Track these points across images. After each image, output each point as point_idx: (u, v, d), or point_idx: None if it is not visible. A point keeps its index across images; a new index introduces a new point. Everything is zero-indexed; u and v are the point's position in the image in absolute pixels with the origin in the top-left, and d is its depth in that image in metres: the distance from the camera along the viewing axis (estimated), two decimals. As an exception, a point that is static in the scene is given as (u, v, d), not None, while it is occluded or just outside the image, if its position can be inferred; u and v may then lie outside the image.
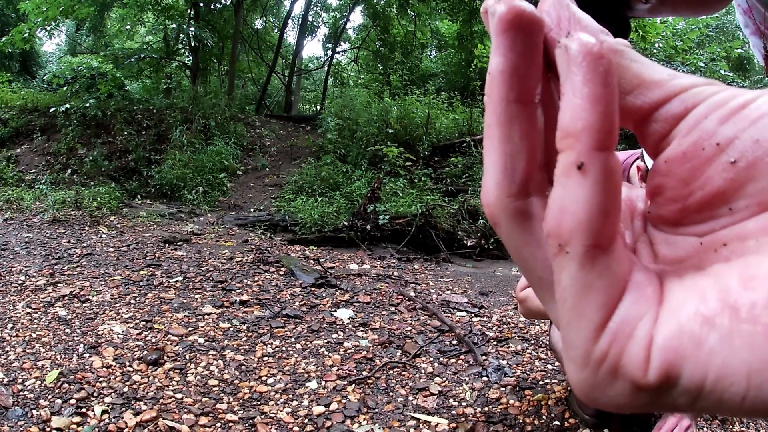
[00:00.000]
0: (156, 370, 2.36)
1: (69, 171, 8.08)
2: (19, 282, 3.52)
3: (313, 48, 61.69)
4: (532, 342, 2.96)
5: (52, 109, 8.94)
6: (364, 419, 2.07)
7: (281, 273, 4.15)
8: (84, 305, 3.13)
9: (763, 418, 0.21)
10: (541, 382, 2.44)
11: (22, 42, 9.95)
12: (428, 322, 3.26)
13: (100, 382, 2.19)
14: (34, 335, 2.62)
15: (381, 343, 2.84)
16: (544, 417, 2.12)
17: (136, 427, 1.88)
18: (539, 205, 0.23)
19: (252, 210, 7.23)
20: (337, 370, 2.49)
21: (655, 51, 11.32)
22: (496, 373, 2.50)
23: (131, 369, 2.35)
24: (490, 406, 2.20)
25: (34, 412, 1.92)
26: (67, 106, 8.78)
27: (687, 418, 1.67)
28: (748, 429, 2.16)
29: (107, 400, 2.05)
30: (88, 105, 8.77)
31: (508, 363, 2.64)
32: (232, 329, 2.92)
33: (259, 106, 14.23)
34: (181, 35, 13.21)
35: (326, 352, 2.69)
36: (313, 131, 10.85)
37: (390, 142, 8.38)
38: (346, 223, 5.98)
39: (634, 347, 0.20)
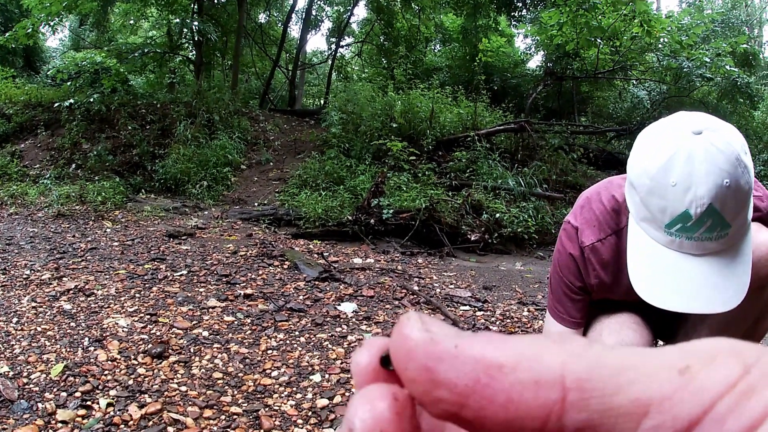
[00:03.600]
0: (161, 363, 2.36)
1: (73, 166, 8.10)
2: (24, 276, 3.53)
3: (317, 42, 61.57)
4: (536, 336, 2.96)
5: (56, 104, 8.94)
6: (368, 412, 2.07)
7: (285, 267, 4.15)
8: (89, 299, 3.14)
9: None
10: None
11: (25, 37, 9.94)
12: (432, 316, 3.25)
13: (105, 375, 2.20)
14: (39, 329, 2.63)
15: (385, 336, 2.84)
16: (548, 410, 2.12)
17: (141, 420, 1.88)
18: None
19: (256, 204, 7.24)
20: (341, 363, 2.49)
21: (660, 46, 11.26)
22: (500, 366, 2.50)
23: (136, 362, 2.35)
24: (494, 400, 2.20)
25: (40, 405, 1.93)
26: (71, 101, 8.78)
27: None
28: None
29: (112, 392, 2.06)
30: (92, 100, 8.77)
31: (512, 357, 2.63)
32: (236, 322, 2.93)
33: (263, 100, 14.21)
34: (185, 30, 13.21)
35: (330, 346, 2.69)
36: (317, 125, 10.84)
37: (394, 136, 8.36)
38: (350, 217, 5.98)
39: None
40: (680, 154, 1.12)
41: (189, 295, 3.33)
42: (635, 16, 9.57)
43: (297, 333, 2.85)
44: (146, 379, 2.21)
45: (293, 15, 16.90)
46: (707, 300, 1.18)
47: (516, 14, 15.23)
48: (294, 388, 2.24)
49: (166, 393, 2.10)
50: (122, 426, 1.85)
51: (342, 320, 3.07)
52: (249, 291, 3.46)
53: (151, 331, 2.71)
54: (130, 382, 2.16)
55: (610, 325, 1.51)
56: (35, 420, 1.83)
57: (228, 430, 1.90)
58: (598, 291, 1.53)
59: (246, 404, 2.09)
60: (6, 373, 2.14)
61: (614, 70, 12.03)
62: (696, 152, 1.11)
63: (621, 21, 10.25)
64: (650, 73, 12.13)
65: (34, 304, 2.98)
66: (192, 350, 2.53)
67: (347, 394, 2.20)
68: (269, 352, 2.59)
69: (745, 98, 10.86)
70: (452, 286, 4.12)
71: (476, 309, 3.48)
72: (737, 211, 1.14)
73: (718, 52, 10.31)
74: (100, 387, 2.09)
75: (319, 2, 17.51)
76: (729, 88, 10.59)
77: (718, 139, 1.12)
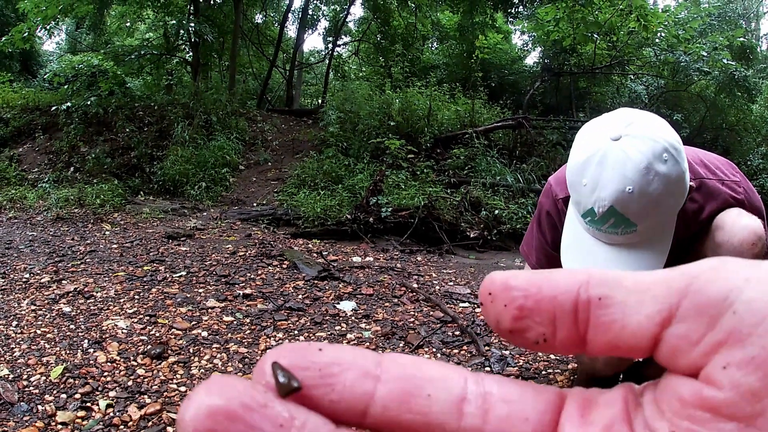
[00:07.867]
0: (160, 363, 2.37)
1: (71, 169, 8.10)
2: (24, 280, 3.53)
3: (314, 41, 61.61)
4: (535, 331, 2.96)
5: (54, 108, 8.94)
6: (368, 410, 2.08)
7: (284, 266, 4.15)
8: (88, 301, 3.14)
9: None
10: (543, 372, 2.44)
11: (22, 41, 9.93)
12: (431, 313, 3.26)
13: (105, 376, 2.20)
14: (38, 332, 2.63)
15: (384, 334, 2.85)
16: (547, 405, 2.12)
17: (141, 420, 1.89)
18: None
19: (255, 204, 7.24)
20: (341, 361, 2.49)
21: (657, 40, 11.26)
22: (498, 363, 2.50)
23: (135, 363, 2.36)
24: (493, 395, 2.20)
25: (40, 407, 1.94)
26: (69, 104, 8.78)
27: None
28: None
29: (112, 394, 2.06)
30: (89, 103, 8.77)
31: (510, 353, 2.64)
32: (235, 322, 2.93)
33: (261, 100, 14.19)
34: (181, 31, 13.16)
35: (329, 344, 2.69)
36: (315, 125, 10.84)
37: (392, 134, 8.36)
38: (348, 216, 5.98)
39: None
40: (594, 158, 1.24)
41: (188, 295, 3.34)
42: (632, 10, 9.56)
43: (296, 332, 2.85)
44: (146, 379, 2.21)
45: (290, 15, 16.90)
46: None
47: (512, 11, 15.20)
48: (293, 387, 2.24)
49: (165, 393, 2.11)
50: (122, 427, 1.85)
51: (341, 319, 3.08)
52: (248, 291, 3.46)
53: (151, 332, 2.72)
54: (130, 383, 2.16)
55: None
56: (35, 422, 1.83)
57: (228, 429, 1.90)
58: None
59: (245, 403, 2.09)
60: (6, 376, 2.14)
61: (611, 65, 12.03)
62: (608, 158, 1.22)
63: (617, 16, 10.25)
64: (648, 68, 12.12)
65: (33, 307, 2.98)
66: (191, 351, 2.54)
67: (346, 391, 2.20)
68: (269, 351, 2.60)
69: (743, 92, 10.85)
70: (451, 283, 4.12)
71: (476, 305, 3.49)
72: (642, 213, 1.23)
73: (715, 45, 10.30)
74: (99, 388, 2.10)
75: (315, 1, 17.51)
76: (726, 81, 10.58)
77: (633, 147, 1.20)
